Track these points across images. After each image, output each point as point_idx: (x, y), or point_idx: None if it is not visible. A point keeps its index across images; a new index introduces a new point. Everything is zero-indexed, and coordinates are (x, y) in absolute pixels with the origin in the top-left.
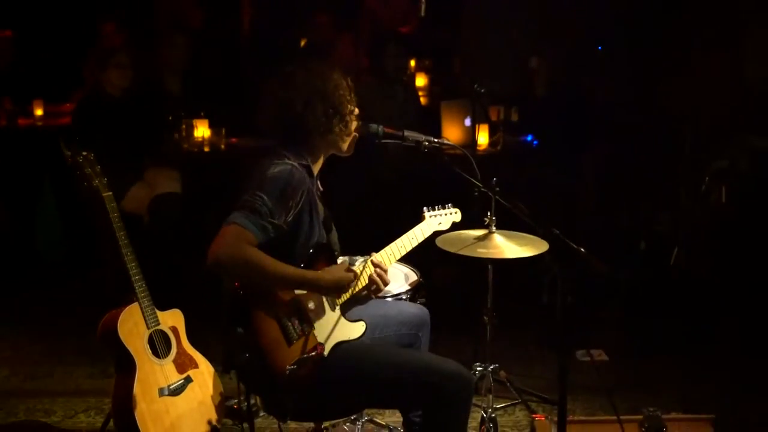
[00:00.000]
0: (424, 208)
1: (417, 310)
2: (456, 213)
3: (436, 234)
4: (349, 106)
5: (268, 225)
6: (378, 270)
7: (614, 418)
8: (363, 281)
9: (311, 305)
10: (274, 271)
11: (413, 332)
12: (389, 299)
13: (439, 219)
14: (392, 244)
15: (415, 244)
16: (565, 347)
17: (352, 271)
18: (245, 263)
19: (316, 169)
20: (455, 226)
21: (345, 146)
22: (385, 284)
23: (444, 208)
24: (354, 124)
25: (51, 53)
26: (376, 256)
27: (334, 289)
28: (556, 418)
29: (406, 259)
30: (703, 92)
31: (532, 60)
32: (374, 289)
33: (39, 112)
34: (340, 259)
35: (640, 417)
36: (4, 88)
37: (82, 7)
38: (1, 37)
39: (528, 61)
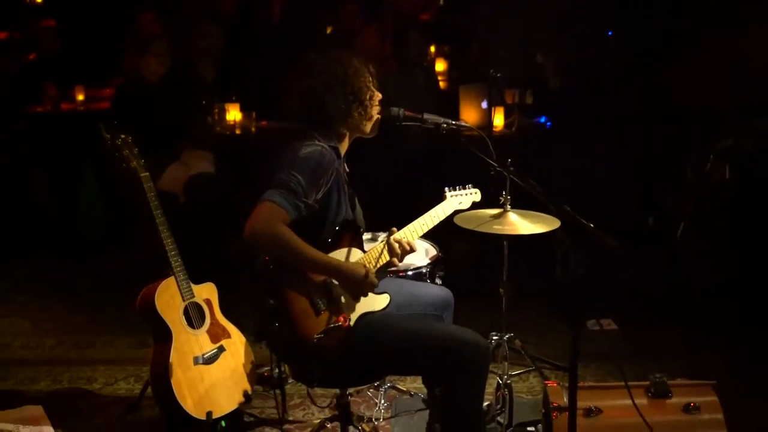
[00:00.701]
0: (446, 188)
1: (442, 292)
2: (476, 193)
3: (456, 212)
4: (368, 92)
5: (300, 204)
6: (399, 245)
7: (622, 384)
8: (385, 257)
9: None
10: (302, 253)
11: (438, 313)
12: (411, 273)
13: (459, 198)
14: (415, 222)
15: (436, 221)
16: (576, 317)
17: (365, 268)
18: (277, 240)
19: (343, 150)
20: (474, 205)
21: (367, 129)
22: (398, 262)
23: (465, 188)
24: (375, 109)
25: (92, 42)
26: (398, 234)
27: (349, 283)
28: (567, 384)
29: (426, 235)
30: (710, 77)
31: (538, 56)
32: (393, 262)
33: (80, 97)
34: (365, 236)
35: (647, 383)
36: (49, 74)
37: None
38: (46, 27)
39: (536, 56)
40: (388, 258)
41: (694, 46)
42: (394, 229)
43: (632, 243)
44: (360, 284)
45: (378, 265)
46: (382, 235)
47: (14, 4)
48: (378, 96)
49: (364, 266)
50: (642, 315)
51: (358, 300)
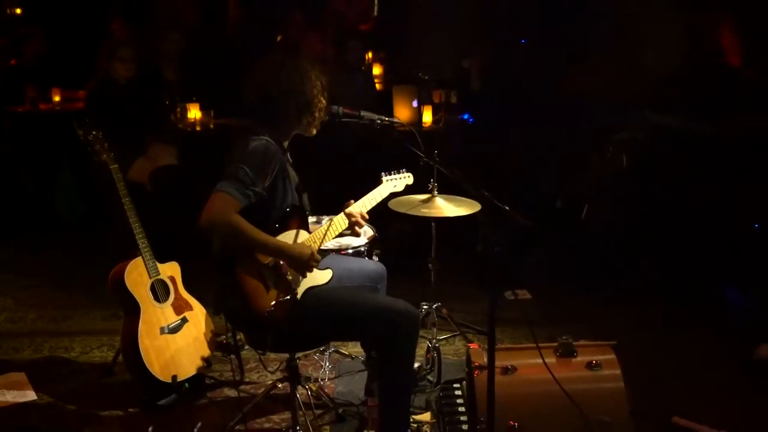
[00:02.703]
0: (382, 173)
1: (377, 266)
2: (409, 177)
3: (392, 195)
4: (319, 104)
5: (250, 192)
6: (356, 215)
7: (534, 345)
8: (332, 233)
9: None
10: (253, 238)
11: (373, 285)
12: (350, 251)
13: (394, 182)
14: (357, 203)
15: (374, 203)
16: (494, 288)
17: (310, 248)
18: (230, 228)
19: (286, 143)
20: (407, 189)
21: (311, 133)
22: (362, 226)
23: (399, 172)
24: (320, 117)
25: (67, 48)
26: (352, 208)
27: (296, 262)
28: (487, 346)
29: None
30: (608, 77)
31: (465, 61)
32: (353, 231)
33: (57, 98)
34: (310, 219)
35: (555, 344)
36: (29, 78)
37: (92, 7)
38: (27, 33)
39: (461, 61)
40: (333, 235)
41: (593, 50)
42: (352, 201)
43: (543, 222)
44: (305, 263)
45: (322, 244)
46: (326, 218)
47: None
48: (325, 107)
49: (309, 247)
50: (551, 285)
51: (304, 276)
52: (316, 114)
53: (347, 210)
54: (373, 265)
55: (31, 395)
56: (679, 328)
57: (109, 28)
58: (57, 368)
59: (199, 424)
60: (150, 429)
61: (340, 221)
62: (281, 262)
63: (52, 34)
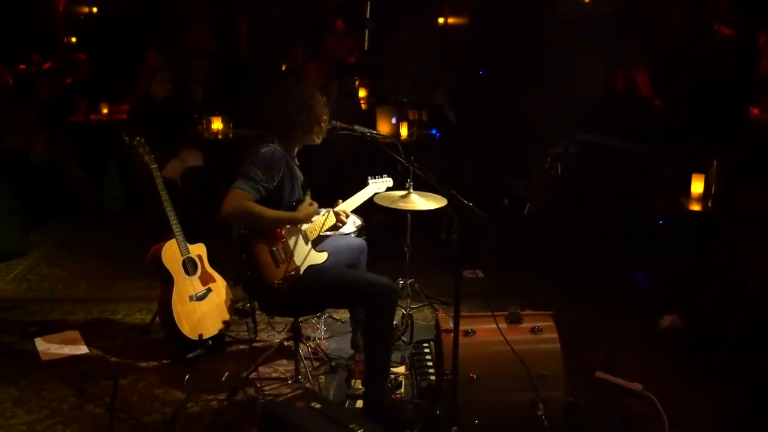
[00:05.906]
0: (369, 177)
1: (359, 242)
2: (390, 180)
3: (376, 194)
4: (324, 116)
5: (260, 187)
6: (341, 213)
7: (489, 313)
8: (328, 223)
9: (292, 240)
10: (266, 215)
11: (355, 255)
12: (343, 235)
13: (378, 185)
14: (348, 201)
15: (362, 201)
16: (457, 268)
17: (314, 203)
18: (246, 213)
19: (294, 150)
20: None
21: (318, 141)
22: (344, 223)
23: (382, 177)
24: (325, 127)
25: (113, 70)
26: (339, 207)
27: (306, 219)
28: (452, 314)
29: (354, 210)
30: (548, 102)
31: (435, 98)
32: (335, 226)
33: (105, 110)
34: None
35: (506, 313)
36: (82, 93)
37: (132, 38)
38: (79, 59)
39: (432, 99)
40: (329, 225)
41: (536, 79)
42: (340, 201)
43: (494, 216)
44: (309, 212)
45: (320, 231)
46: (323, 210)
47: (55, 42)
48: (327, 120)
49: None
50: (502, 266)
51: (309, 227)
52: (322, 125)
53: (335, 209)
54: (357, 241)
55: (83, 349)
56: (603, 302)
57: (146, 57)
58: (105, 328)
59: (227, 374)
60: (187, 377)
61: (332, 217)
62: (290, 242)
63: (100, 59)
